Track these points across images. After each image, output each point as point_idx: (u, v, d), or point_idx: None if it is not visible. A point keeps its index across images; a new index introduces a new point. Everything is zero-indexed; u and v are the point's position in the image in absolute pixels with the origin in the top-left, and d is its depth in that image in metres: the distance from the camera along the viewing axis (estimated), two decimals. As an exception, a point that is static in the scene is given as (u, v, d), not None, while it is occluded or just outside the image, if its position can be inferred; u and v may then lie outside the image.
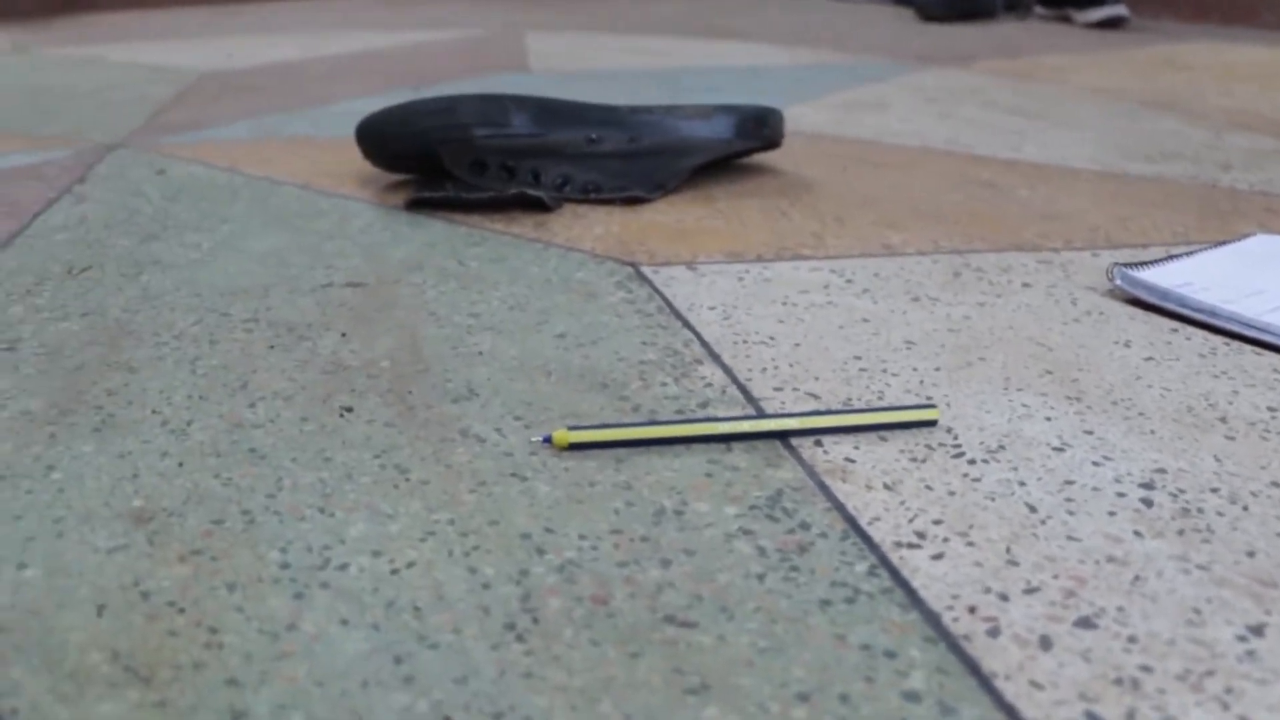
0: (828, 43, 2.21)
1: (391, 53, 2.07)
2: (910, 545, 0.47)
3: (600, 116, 0.98)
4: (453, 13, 2.87)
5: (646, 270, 0.80)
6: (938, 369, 0.64)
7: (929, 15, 2.73)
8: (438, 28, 2.50)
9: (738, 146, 1.01)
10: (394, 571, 0.45)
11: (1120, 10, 2.57)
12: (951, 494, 0.51)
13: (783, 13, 2.96)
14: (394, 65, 1.87)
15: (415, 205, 0.96)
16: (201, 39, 2.41)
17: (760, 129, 1.02)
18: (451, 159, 0.96)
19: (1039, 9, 2.84)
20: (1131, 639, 0.41)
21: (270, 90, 1.67)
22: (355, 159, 1.17)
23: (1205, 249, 0.82)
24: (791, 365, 0.64)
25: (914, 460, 0.54)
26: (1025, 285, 0.77)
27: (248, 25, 2.71)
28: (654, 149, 0.98)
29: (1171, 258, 0.79)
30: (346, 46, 2.21)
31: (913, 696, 0.38)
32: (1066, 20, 2.73)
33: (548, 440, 0.54)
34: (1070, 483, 0.52)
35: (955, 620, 0.42)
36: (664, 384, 0.62)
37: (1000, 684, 0.39)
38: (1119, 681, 0.39)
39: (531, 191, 0.93)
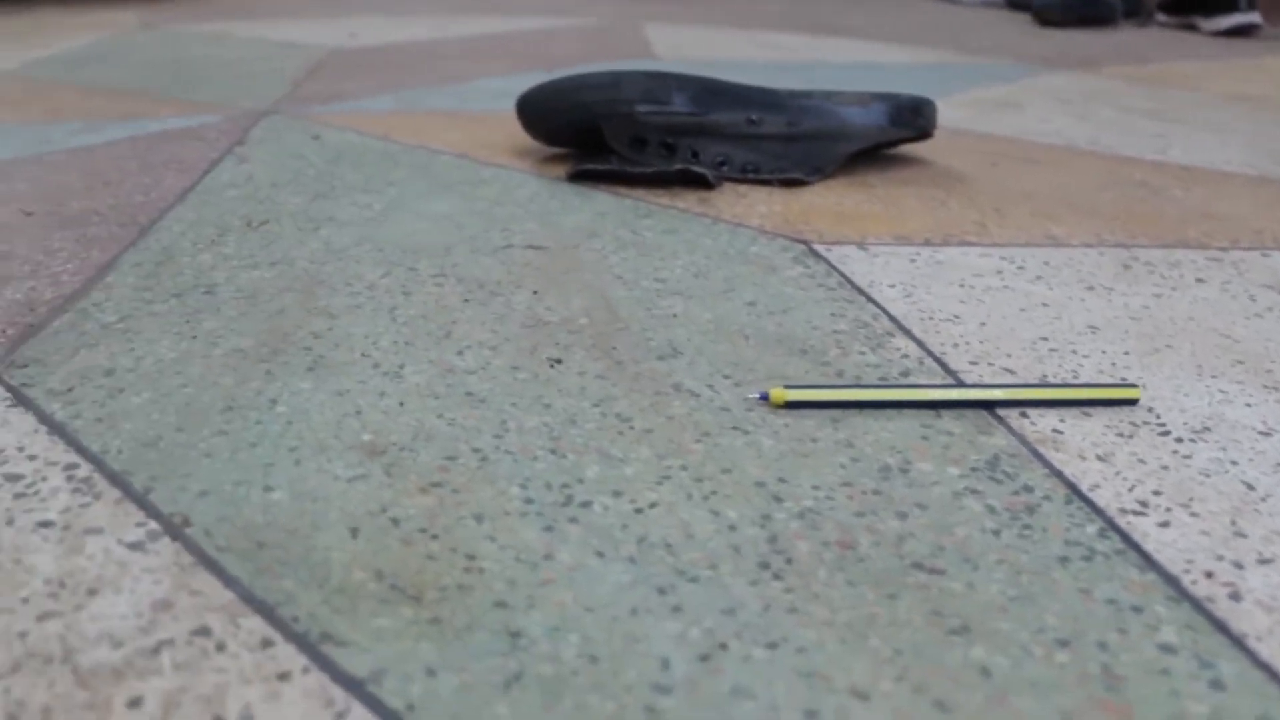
0: (946, 43, 2.20)
1: (515, 37, 2.09)
2: (1135, 512, 0.47)
3: (760, 99, 0.99)
4: (563, 2, 2.90)
5: (819, 248, 0.81)
6: (1126, 353, 0.64)
7: (1046, 20, 2.71)
8: (553, 15, 2.53)
9: (893, 135, 1.02)
10: (638, 511, 0.46)
11: (1253, 18, 2.53)
12: (1165, 468, 0.51)
13: (891, 12, 2.96)
14: (521, 48, 1.90)
15: (578, 177, 0.98)
16: (321, 19, 2.45)
17: (916, 118, 1.03)
18: (613, 134, 0.98)
19: (1161, 16, 2.81)
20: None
21: (402, 67, 1.70)
22: (507, 132, 1.19)
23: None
24: (982, 342, 0.65)
25: (1121, 435, 0.54)
26: (1199, 280, 0.77)
27: (363, 7, 2.75)
28: (813, 133, 0.99)
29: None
30: (468, 30, 2.24)
31: (1168, 649, 0.39)
32: (1191, 28, 2.70)
33: (764, 398, 0.55)
34: (1285, 464, 0.52)
35: (1194, 583, 0.43)
36: (861, 353, 0.63)
37: (1253, 644, 0.39)
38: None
39: (696, 168, 0.94)
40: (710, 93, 0.98)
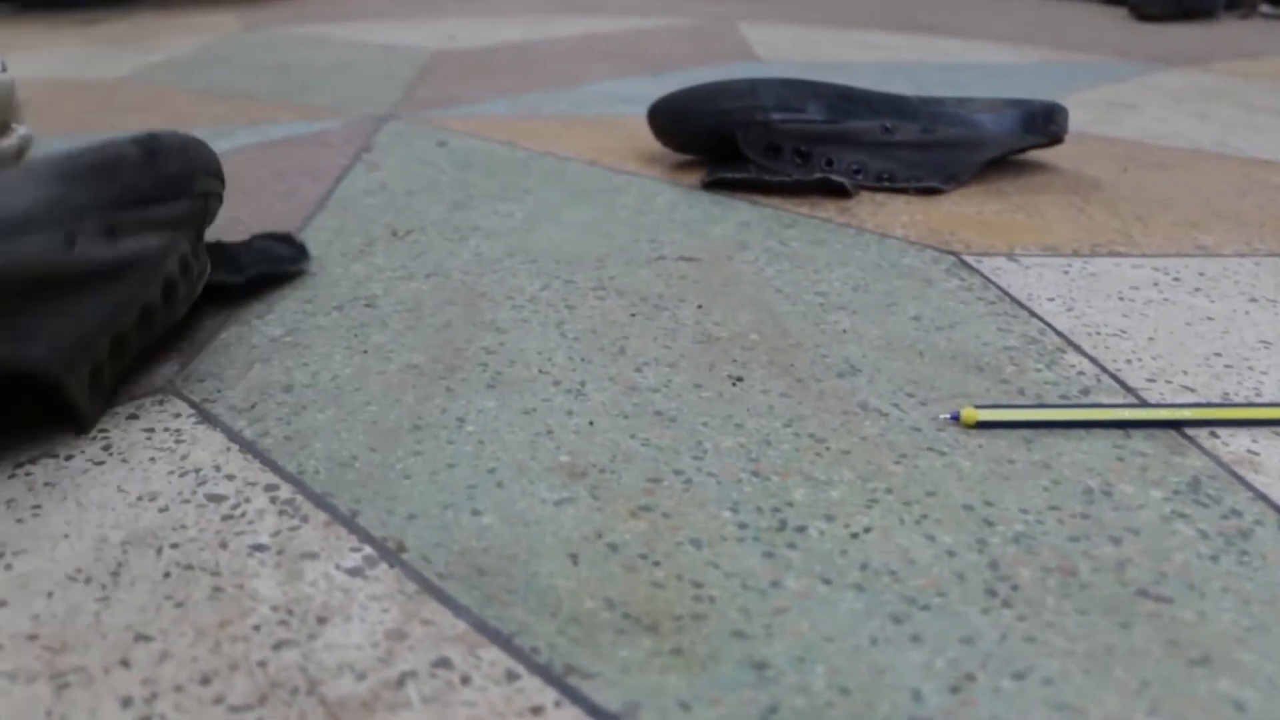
0: (1045, 40, 2.18)
1: (610, 38, 2.10)
2: (1351, 540, 0.47)
3: (893, 106, 0.99)
4: (648, 1, 2.90)
5: (969, 259, 0.80)
6: (1304, 369, 0.64)
7: (1145, 14, 2.67)
8: (642, 15, 2.53)
9: (1027, 141, 1.02)
10: (854, 536, 0.47)
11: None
12: (1369, 492, 0.51)
13: (983, 9, 2.93)
14: (619, 50, 1.90)
15: (714, 185, 0.98)
16: (415, 21, 2.47)
17: (1049, 124, 1.02)
18: (748, 141, 0.98)
19: (1265, 7, 2.75)
20: None
21: (510, 70, 1.71)
22: (626, 136, 1.20)
23: None
24: (1155, 359, 0.64)
25: (1318, 457, 0.54)
26: (1362, 291, 0.76)
27: (453, 9, 2.77)
28: (948, 141, 0.99)
29: None
30: (562, 31, 2.25)
31: None
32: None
33: (955, 418, 0.55)
34: None
35: None
36: (1038, 370, 0.62)
37: None
38: None
39: (835, 177, 0.94)
40: (844, 100, 0.98)
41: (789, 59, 1.80)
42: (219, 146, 1.19)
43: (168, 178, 0.60)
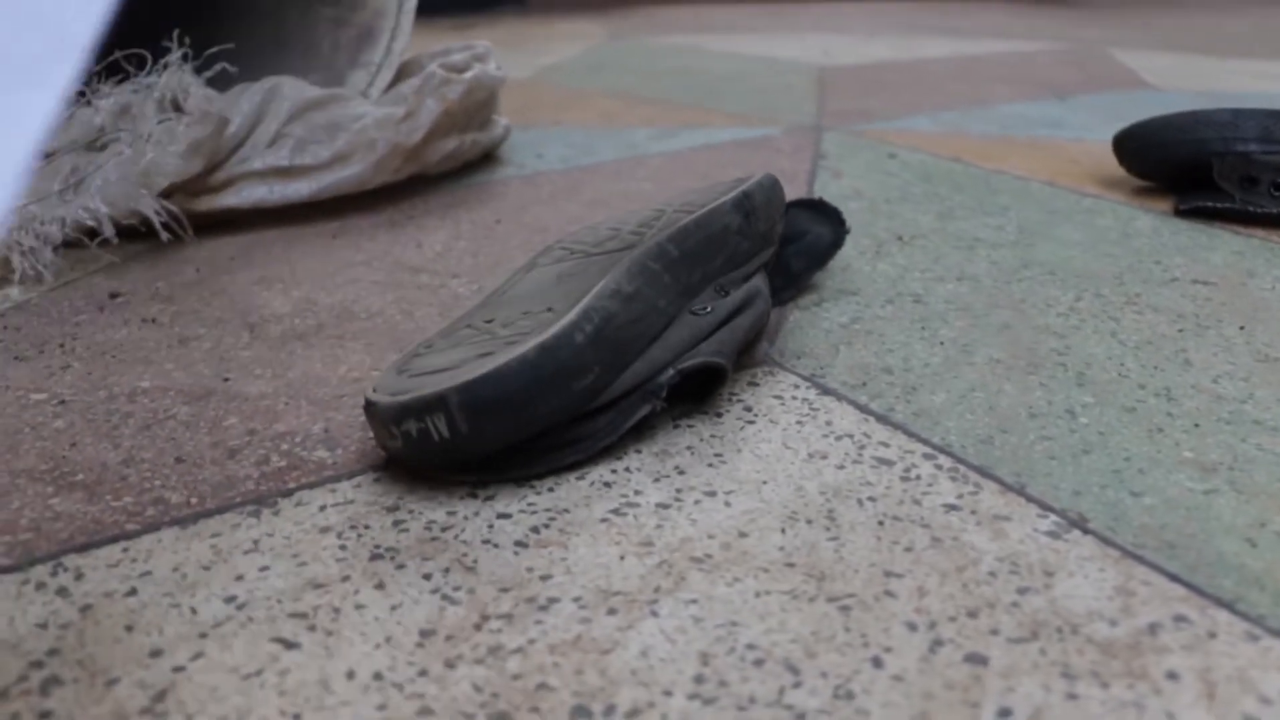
0: None
1: (995, 60, 2.12)
2: None
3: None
4: (996, 26, 2.89)
5: None
6: None
7: None
8: (1007, 38, 2.53)
9: None
10: None
11: None
12: None
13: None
14: (1013, 73, 1.92)
15: (1190, 213, 1.00)
16: (781, 35, 2.55)
17: None
18: (1223, 172, 1.00)
19: None
20: None
21: (908, 87, 1.75)
22: (1071, 162, 1.22)
23: None
24: None
25: None
26: None
27: (811, 25, 2.83)
28: None
29: None
30: (936, 51, 2.28)
31: None
32: None
33: None
34: None
35: None
36: None
37: None
38: None
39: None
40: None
41: (1183, 87, 1.78)
42: (667, 145, 1.28)
43: (759, 234, 0.69)
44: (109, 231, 0.88)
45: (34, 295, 0.81)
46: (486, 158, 1.22)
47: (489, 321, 0.59)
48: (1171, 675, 0.40)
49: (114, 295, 0.82)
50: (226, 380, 0.66)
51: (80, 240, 0.89)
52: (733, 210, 0.66)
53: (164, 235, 0.92)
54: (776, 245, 0.71)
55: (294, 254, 0.90)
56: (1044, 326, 0.72)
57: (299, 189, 0.98)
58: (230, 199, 0.97)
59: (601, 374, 0.54)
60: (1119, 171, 1.15)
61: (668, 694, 0.39)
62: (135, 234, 0.92)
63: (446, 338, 0.59)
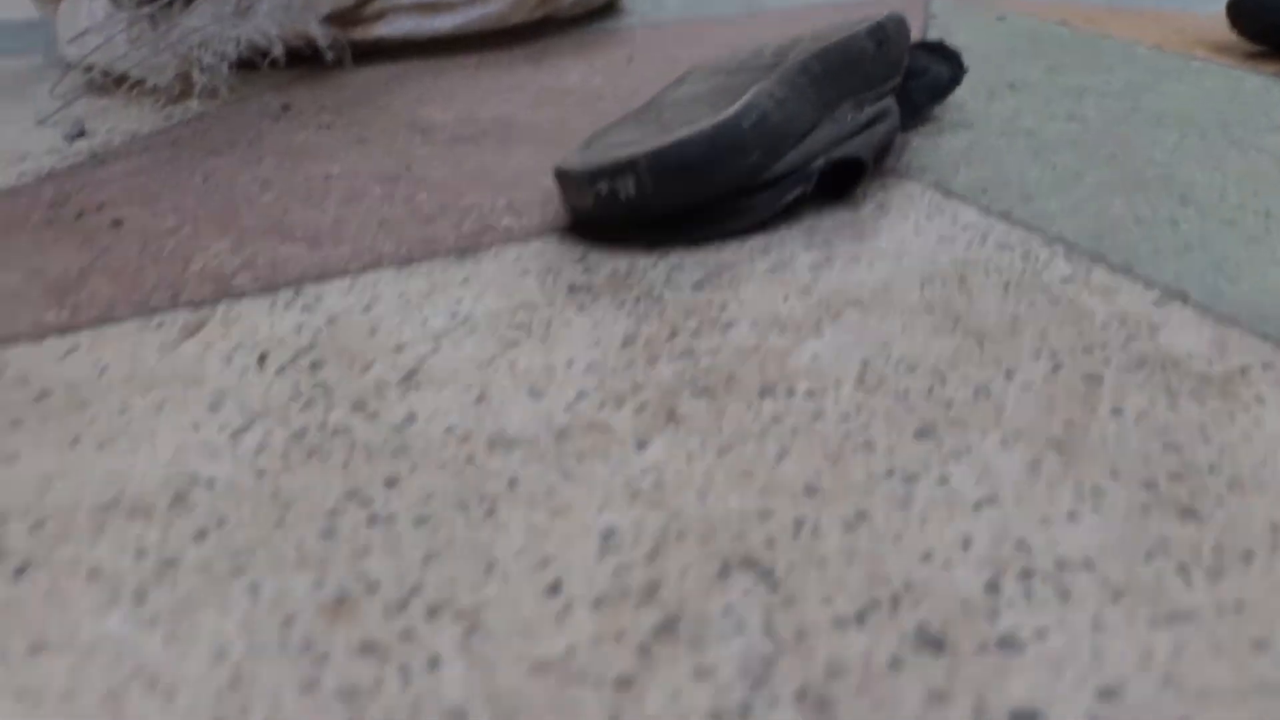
0: None
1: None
2: None
3: None
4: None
5: None
6: None
7: None
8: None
9: None
10: None
11: None
12: None
13: None
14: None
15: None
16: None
17: None
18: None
19: None
20: None
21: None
22: (1180, 30, 1.26)
23: None
24: None
25: None
26: None
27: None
28: None
29: None
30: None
31: None
32: None
33: None
34: None
35: None
36: None
37: None
38: None
39: None
40: None
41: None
42: (783, 1, 1.34)
43: (891, 61, 0.77)
44: (279, 51, 0.96)
45: (211, 108, 0.90)
46: (609, 7, 1.29)
47: (657, 117, 0.67)
48: (1259, 399, 0.48)
49: (285, 107, 0.90)
50: (409, 169, 0.74)
51: (252, 60, 0.97)
52: (867, 37, 0.73)
53: (329, 56, 1.00)
54: (903, 75, 0.78)
55: (444, 81, 0.98)
56: (1150, 159, 0.79)
57: (444, 22, 1.06)
58: (382, 29, 1.05)
59: (762, 157, 0.62)
60: (1228, 39, 1.19)
61: (838, 384, 0.48)
62: (296, 60, 1.00)
63: (620, 126, 0.67)
